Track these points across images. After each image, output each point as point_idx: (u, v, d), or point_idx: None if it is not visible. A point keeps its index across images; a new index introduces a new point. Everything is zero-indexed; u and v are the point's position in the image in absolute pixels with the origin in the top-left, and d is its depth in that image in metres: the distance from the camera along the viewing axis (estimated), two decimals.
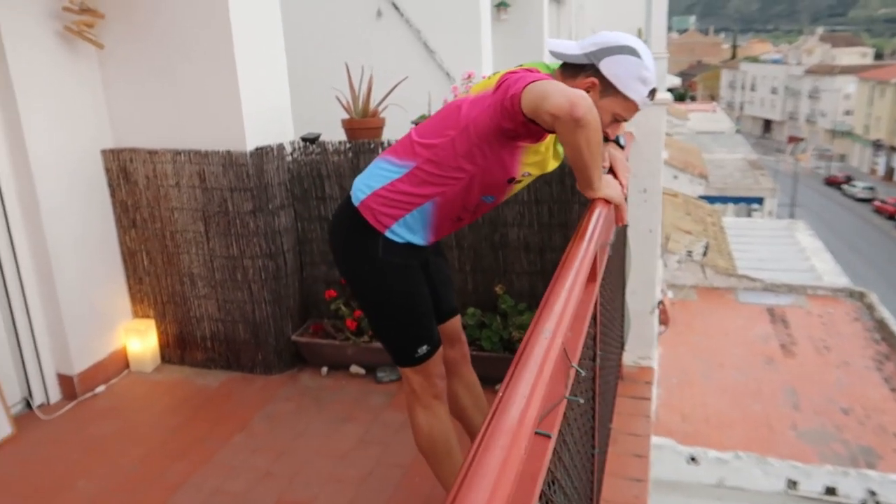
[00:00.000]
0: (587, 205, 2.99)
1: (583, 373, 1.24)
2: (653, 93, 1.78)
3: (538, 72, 1.71)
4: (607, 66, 1.71)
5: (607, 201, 1.74)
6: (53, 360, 3.27)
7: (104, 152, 3.38)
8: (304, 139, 3.39)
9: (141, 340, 3.52)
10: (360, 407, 3.14)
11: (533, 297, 3.23)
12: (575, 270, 1.18)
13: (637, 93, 1.73)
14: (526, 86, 1.56)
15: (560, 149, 1.90)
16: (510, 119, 1.65)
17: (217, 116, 3.19)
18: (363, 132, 3.33)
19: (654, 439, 7.08)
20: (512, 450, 0.71)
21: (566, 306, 1.04)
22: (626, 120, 1.83)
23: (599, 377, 1.88)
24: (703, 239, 12.04)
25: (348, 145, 3.35)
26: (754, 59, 70.70)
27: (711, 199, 19.88)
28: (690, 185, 18.54)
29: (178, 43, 3.17)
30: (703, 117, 32.98)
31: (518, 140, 1.73)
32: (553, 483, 1.02)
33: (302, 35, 6.36)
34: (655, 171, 2.83)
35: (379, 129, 3.37)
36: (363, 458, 2.75)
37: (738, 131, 37.75)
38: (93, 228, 3.38)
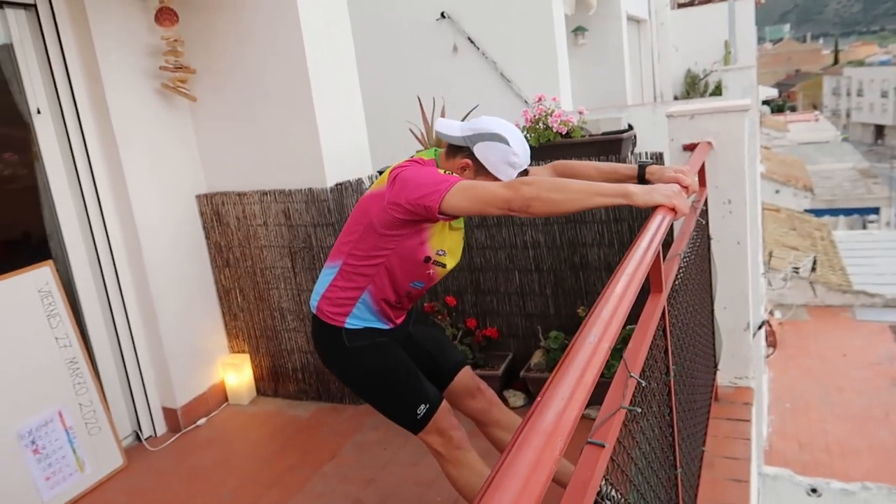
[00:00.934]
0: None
1: (643, 383, 1.19)
2: (523, 173, 1.94)
3: (423, 162, 1.94)
4: (480, 151, 1.91)
5: (667, 207, 1.67)
6: (159, 395, 3.48)
7: (199, 197, 3.61)
8: (380, 172, 3.48)
9: (237, 374, 3.69)
10: None
11: None
12: (627, 277, 1.15)
13: (506, 175, 1.91)
14: (442, 197, 1.72)
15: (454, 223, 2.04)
16: (420, 217, 1.82)
17: (298, 156, 3.35)
18: None
19: (769, 469, 6.64)
20: (544, 452, 0.69)
21: (615, 313, 1.01)
22: None
23: (680, 393, 1.80)
24: (811, 254, 11.32)
25: None
26: (859, 63, 66.65)
27: (819, 213, 18.72)
28: (795, 199, 17.55)
29: (259, 91, 3.36)
30: (805, 127, 31.31)
31: (418, 224, 1.89)
32: (610, 495, 0.99)
33: (380, 73, 6.60)
34: (739, 181, 2.71)
35: None
36: (448, 487, 2.72)
37: (845, 139, 35.56)
38: (191, 269, 3.60)
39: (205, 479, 3.05)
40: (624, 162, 3.01)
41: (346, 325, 2.04)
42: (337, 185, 3.33)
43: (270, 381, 3.75)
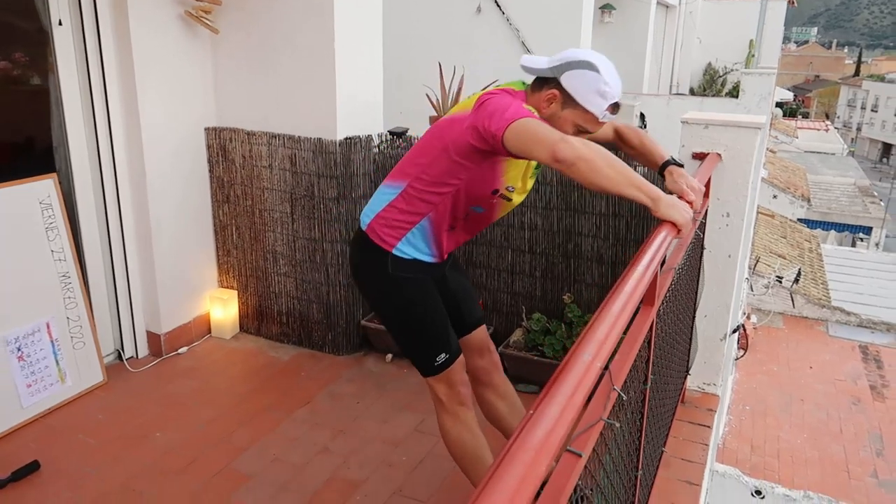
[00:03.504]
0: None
1: (624, 397, 1.26)
2: (615, 107, 1.85)
3: (513, 93, 1.86)
4: (567, 80, 1.82)
5: (673, 224, 1.72)
6: (145, 319, 3.54)
7: (208, 129, 3.61)
8: (391, 133, 3.50)
9: (223, 309, 3.75)
10: (420, 397, 3.23)
11: None
12: (626, 296, 1.20)
13: (596, 106, 1.82)
14: (507, 126, 1.67)
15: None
16: (490, 146, 1.76)
17: (312, 105, 3.35)
18: None
19: (719, 466, 6.86)
20: (532, 467, 0.75)
21: (610, 332, 1.07)
22: (589, 132, 1.89)
23: (652, 400, 1.88)
24: (797, 265, 11.46)
25: None
26: (880, 78, 66.11)
27: (812, 224, 18.85)
28: (791, 207, 17.63)
29: (284, 34, 3.34)
30: (814, 136, 31.20)
31: (496, 155, 1.83)
32: (581, 501, 1.05)
33: (399, 29, 6.51)
34: (742, 196, 2.76)
35: None
36: (416, 447, 2.84)
37: (851, 153, 35.54)
38: (191, 200, 3.62)
39: (181, 406, 3.13)
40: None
41: (394, 252, 2.00)
42: (346, 139, 3.34)
43: (254, 320, 3.81)
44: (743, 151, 2.72)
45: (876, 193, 24.80)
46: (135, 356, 3.54)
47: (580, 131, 1.87)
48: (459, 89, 3.43)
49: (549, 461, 0.78)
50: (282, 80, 3.41)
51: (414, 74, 4.67)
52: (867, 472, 7.57)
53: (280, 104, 3.44)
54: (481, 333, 2.28)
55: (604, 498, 1.36)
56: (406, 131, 3.49)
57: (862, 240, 21.72)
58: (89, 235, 3.30)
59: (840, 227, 21.21)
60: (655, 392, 1.92)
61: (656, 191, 1.66)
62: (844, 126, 59.13)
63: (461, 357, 2.11)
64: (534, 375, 3.19)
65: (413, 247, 2.00)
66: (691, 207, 1.87)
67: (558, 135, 1.63)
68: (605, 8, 9.27)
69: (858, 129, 60.37)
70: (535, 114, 1.76)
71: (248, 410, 3.11)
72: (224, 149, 3.60)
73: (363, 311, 3.62)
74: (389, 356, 3.56)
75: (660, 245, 1.53)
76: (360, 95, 3.45)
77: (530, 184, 2.05)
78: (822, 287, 13.07)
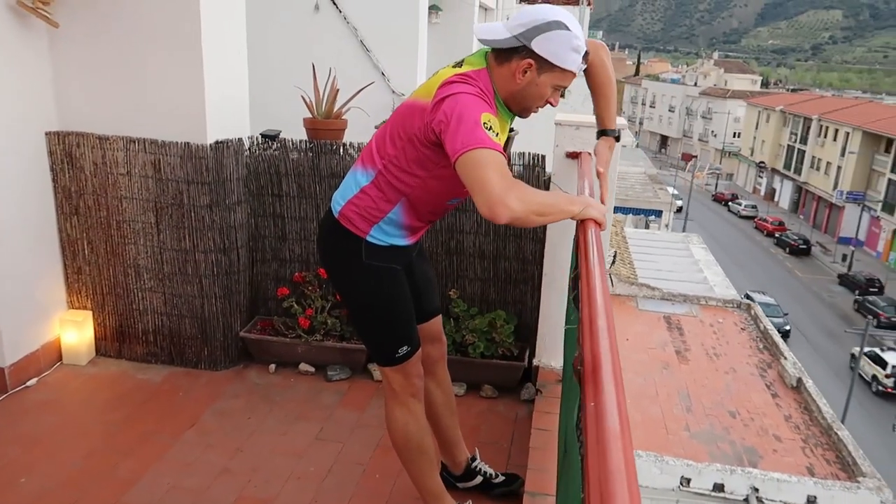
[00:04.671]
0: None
1: None
2: (585, 56, 1.83)
3: (475, 77, 1.77)
4: (540, 45, 1.74)
5: (595, 222, 1.87)
6: None
7: (49, 134, 3.23)
8: (263, 135, 3.38)
9: (77, 332, 3.38)
10: (313, 405, 3.17)
11: (484, 302, 3.38)
12: (603, 302, 1.28)
13: (572, 62, 1.78)
14: (460, 155, 1.62)
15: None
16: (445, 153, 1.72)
17: (177, 107, 3.13)
18: (326, 133, 3.36)
19: None
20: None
21: (609, 326, 1.17)
22: (565, 87, 1.87)
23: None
24: (612, 249, 12.68)
25: (309, 144, 3.36)
26: (655, 78, 74.49)
27: (614, 210, 20.87)
28: None
29: (140, 27, 3.08)
30: None
31: None
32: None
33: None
34: (611, 191, 3.04)
35: (341, 131, 3.41)
36: (321, 456, 2.80)
37: (637, 146, 39.70)
38: (30, 213, 3.22)
39: (45, 445, 2.80)
40: (509, 160, 3.21)
41: (368, 239, 1.95)
42: (217, 142, 3.17)
43: (114, 342, 3.49)
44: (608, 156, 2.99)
45: (663, 181, 27.99)
46: None
47: (558, 88, 1.84)
48: (336, 92, 3.39)
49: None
50: (139, 80, 3.14)
51: (252, 72, 4.49)
52: (681, 426, 8.62)
53: (138, 106, 3.17)
54: (437, 323, 2.32)
55: None
56: (279, 134, 3.39)
57: (653, 222, 24.51)
58: None
59: (636, 212, 23.70)
60: None
61: (576, 202, 1.75)
62: (629, 120, 65.89)
63: (420, 350, 2.12)
64: None
65: (385, 233, 1.96)
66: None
67: (498, 192, 1.57)
68: (433, 9, 9.52)
69: (641, 123, 67.67)
70: (491, 133, 1.66)
71: (127, 439, 2.85)
72: (70, 155, 3.24)
73: (241, 322, 3.46)
74: (273, 366, 3.45)
75: (596, 246, 1.67)
76: (230, 96, 3.29)
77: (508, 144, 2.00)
78: (630, 266, 14.56)
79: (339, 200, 1.98)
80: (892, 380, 20.39)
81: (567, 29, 1.74)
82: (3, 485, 2.55)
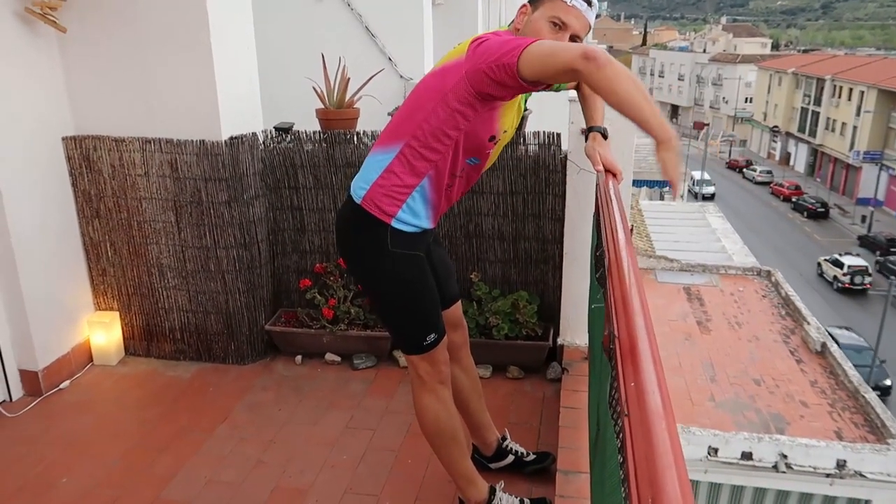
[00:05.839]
0: (562, 196, 3.14)
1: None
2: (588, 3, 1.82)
3: (502, 32, 1.82)
4: None
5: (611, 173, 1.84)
6: (16, 356, 3.15)
7: (66, 139, 3.25)
8: (276, 128, 3.38)
9: (105, 333, 3.43)
10: (341, 394, 3.20)
11: (506, 283, 3.38)
12: (636, 281, 1.27)
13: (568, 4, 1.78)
14: (521, 52, 1.62)
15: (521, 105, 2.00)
16: (499, 85, 1.70)
17: (190, 104, 3.14)
18: (339, 123, 3.36)
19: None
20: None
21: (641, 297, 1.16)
22: (569, 27, 1.83)
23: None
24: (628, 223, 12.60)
25: (323, 135, 3.36)
26: (663, 47, 73.48)
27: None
28: None
29: (149, 29, 3.08)
30: None
31: (496, 100, 1.81)
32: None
33: None
34: (627, 164, 3.00)
35: (354, 119, 3.40)
36: (353, 444, 2.83)
37: None
38: (52, 219, 3.26)
39: (83, 445, 2.85)
40: (524, 139, 3.20)
41: (394, 224, 1.92)
42: (231, 138, 3.18)
43: (142, 341, 3.54)
44: (626, 124, 2.96)
45: None
46: (8, 399, 3.15)
47: (557, 28, 1.82)
48: (346, 81, 3.38)
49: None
50: (151, 80, 3.15)
51: (260, 66, 4.48)
52: (706, 397, 8.60)
53: (151, 106, 3.18)
54: (457, 309, 2.32)
55: None
56: (292, 126, 3.39)
57: (667, 192, 24.33)
58: None
59: (651, 184, 23.50)
60: None
61: (672, 130, 1.63)
62: None
63: (446, 336, 2.12)
64: None
65: (413, 214, 1.93)
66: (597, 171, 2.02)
67: (580, 46, 1.61)
68: None
69: (650, 93, 66.81)
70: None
71: (162, 436, 2.90)
72: (88, 159, 3.27)
73: (265, 315, 3.49)
74: (299, 357, 3.48)
75: (623, 226, 1.65)
76: (241, 89, 3.29)
77: (516, 121, 2.02)
78: (647, 239, 14.47)
79: (363, 185, 1.94)
80: (848, 277, 25.58)
81: None
82: (45, 486, 2.61)
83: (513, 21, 1.92)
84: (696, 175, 36.08)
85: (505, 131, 1.95)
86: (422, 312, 2.05)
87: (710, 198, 29.55)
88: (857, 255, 27.69)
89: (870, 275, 25.74)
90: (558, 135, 3.18)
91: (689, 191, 33.50)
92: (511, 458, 2.51)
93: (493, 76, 1.68)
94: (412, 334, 2.07)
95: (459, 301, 2.35)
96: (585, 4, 1.84)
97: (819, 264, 27.45)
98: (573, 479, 2.29)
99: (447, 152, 1.85)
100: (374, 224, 1.94)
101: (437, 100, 1.80)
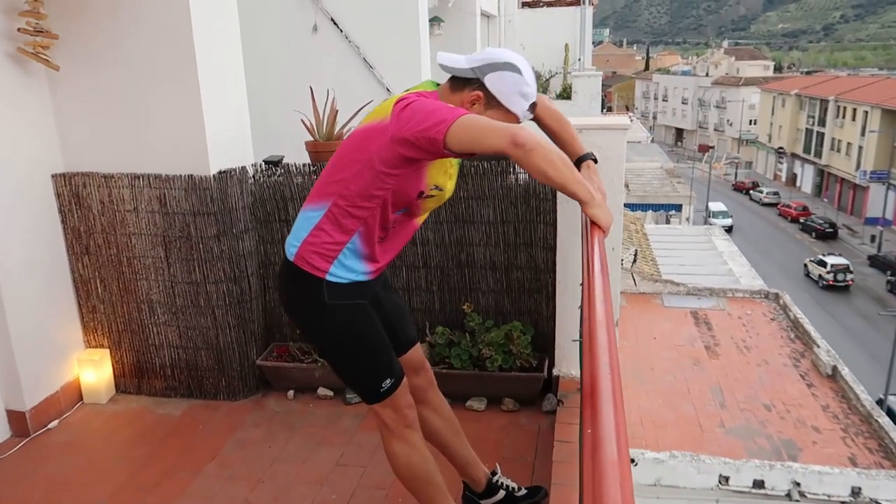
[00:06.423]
0: (553, 225, 3.10)
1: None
2: (533, 106, 1.91)
3: (427, 94, 1.84)
4: (492, 81, 1.84)
5: (602, 229, 1.82)
6: (3, 396, 3.12)
7: (55, 177, 3.26)
8: (266, 162, 3.37)
9: (95, 371, 3.40)
10: (333, 429, 3.14)
11: (499, 314, 3.33)
12: (604, 321, 1.23)
13: (518, 106, 1.86)
14: (448, 127, 1.66)
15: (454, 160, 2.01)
16: (425, 152, 1.75)
17: (178, 139, 3.14)
18: (328, 155, 3.34)
19: None
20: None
21: (609, 340, 1.12)
22: None
23: None
24: (632, 247, 12.53)
25: (312, 167, 3.35)
26: (666, 71, 74.03)
27: (633, 207, 20.65)
28: None
29: (138, 67, 3.10)
30: None
31: (423, 161, 1.83)
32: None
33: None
34: (618, 192, 2.97)
35: None
36: (343, 482, 2.76)
37: (651, 140, 39.35)
38: (42, 256, 3.25)
39: (70, 487, 2.80)
40: (514, 167, 3.17)
41: (329, 278, 1.91)
42: (220, 172, 3.17)
43: (133, 378, 3.50)
44: (615, 151, 2.94)
45: (679, 174, 27.72)
46: None
47: None
48: (335, 113, 3.38)
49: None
50: (139, 117, 3.16)
51: (257, 98, 4.50)
52: (715, 423, 8.44)
53: (140, 143, 3.19)
54: (417, 352, 2.27)
55: None
56: (282, 159, 3.38)
57: (674, 216, 24.24)
58: None
59: (656, 208, 23.45)
60: None
61: (592, 189, 1.75)
62: (643, 116, 65.50)
63: (405, 380, 2.08)
64: (444, 388, 3.20)
65: (347, 268, 1.92)
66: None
67: (507, 126, 1.66)
68: (434, 21, 9.53)
69: (654, 118, 67.17)
70: (462, 109, 1.74)
71: (150, 477, 2.84)
72: (77, 196, 3.27)
73: (257, 350, 3.45)
74: (291, 392, 3.43)
75: (600, 253, 1.62)
76: (230, 125, 3.29)
77: (454, 178, 2.04)
78: (652, 263, 14.38)
79: (294, 243, 1.95)
80: (831, 274, 27.64)
81: (520, 74, 1.84)
82: None
83: (439, 86, 1.93)
84: (714, 207, 35.66)
85: (438, 188, 1.94)
86: (372, 359, 2.02)
87: (728, 230, 29.24)
88: (839, 254, 29.86)
89: (851, 272, 27.85)
90: None
91: (705, 222, 33.25)
92: (502, 493, 2.44)
93: (419, 144, 1.72)
94: (367, 382, 2.04)
95: (418, 344, 2.30)
96: (530, 116, 1.96)
97: (805, 265, 29.57)
98: None
99: (375, 209, 1.86)
100: (309, 280, 1.93)
101: (363, 161, 1.81)
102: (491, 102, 1.85)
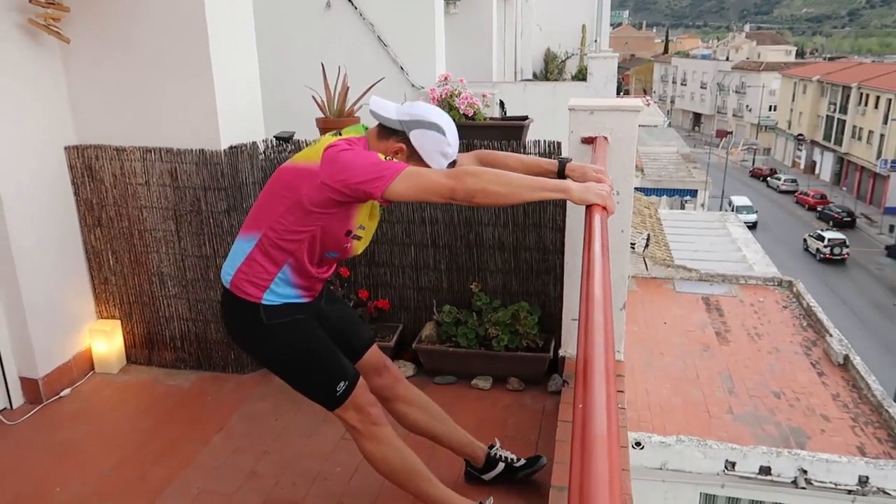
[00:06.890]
0: (562, 206, 3.09)
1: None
2: (452, 164, 2.00)
3: (356, 141, 1.94)
4: (416, 137, 1.93)
5: (600, 206, 1.82)
6: (16, 364, 3.17)
7: (68, 149, 3.28)
8: (277, 137, 3.37)
9: (107, 341, 3.44)
10: None
11: (507, 294, 3.33)
12: (600, 303, 1.22)
13: (438, 164, 1.95)
14: (389, 183, 1.75)
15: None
16: (356, 199, 1.85)
17: (190, 114, 3.15)
18: None
19: None
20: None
21: (606, 321, 1.12)
22: None
23: None
24: (645, 231, 12.45)
25: None
26: (685, 54, 73.00)
27: (647, 192, 20.52)
28: None
29: (149, 41, 3.10)
30: None
31: (352, 203, 1.91)
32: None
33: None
34: (629, 175, 2.95)
35: None
36: (347, 457, 2.79)
37: (668, 125, 38.87)
38: (55, 227, 3.28)
39: (80, 455, 2.85)
40: (524, 148, 3.16)
41: (264, 302, 1.99)
42: (231, 147, 3.18)
43: (143, 349, 3.54)
44: (627, 133, 2.91)
45: (695, 160, 27.43)
46: (9, 407, 3.16)
47: None
48: (346, 90, 3.36)
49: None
50: (152, 90, 3.17)
51: (271, 74, 4.49)
52: (724, 409, 8.42)
53: (152, 116, 3.20)
54: (374, 353, 2.31)
55: None
56: (293, 135, 3.38)
57: (689, 202, 24.02)
58: None
59: (671, 192, 23.27)
60: None
61: (562, 184, 1.81)
62: (660, 99, 64.70)
63: (361, 380, 2.12)
64: (450, 367, 3.24)
65: (279, 295, 2.00)
66: (603, 182, 1.97)
67: (444, 175, 1.77)
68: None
69: (672, 102, 66.34)
70: (397, 162, 1.84)
71: (157, 446, 2.89)
72: (90, 168, 3.29)
73: None
74: None
75: (601, 229, 1.61)
76: (240, 99, 3.29)
77: (374, 221, 2.10)
78: (665, 248, 14.30)
79: (228, 271, 2.02)
80: (828, 248, 28.69)
81: (444, 135, 1.94)
82: (39, 495, 2.60)
83: (367, 131, 2.01)
84: (737, 200, 34.60)
85: (361, 227, 2.01)
86: (321, 368, 2.08)
87: (753, 227, 28.77)
88: (836, 229, 31.31)
89: (847, 246, 28.93)
90: (558, 143, 3.13)
91: (720, 209, 32.60)
92: (502, 465, 2.47)
93: (352, 194, 1.82)
94: (322, 390, 2.10)
95: (375, 345, 2.34)
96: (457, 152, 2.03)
97: (804, 240, 30.59)
98: (566, 495, 2.23)
99: (304, 242, 1.93)
100: (246, 306, 2.00)
101: (293, 200, 1.88)
102: (412, 156, 1.93)
